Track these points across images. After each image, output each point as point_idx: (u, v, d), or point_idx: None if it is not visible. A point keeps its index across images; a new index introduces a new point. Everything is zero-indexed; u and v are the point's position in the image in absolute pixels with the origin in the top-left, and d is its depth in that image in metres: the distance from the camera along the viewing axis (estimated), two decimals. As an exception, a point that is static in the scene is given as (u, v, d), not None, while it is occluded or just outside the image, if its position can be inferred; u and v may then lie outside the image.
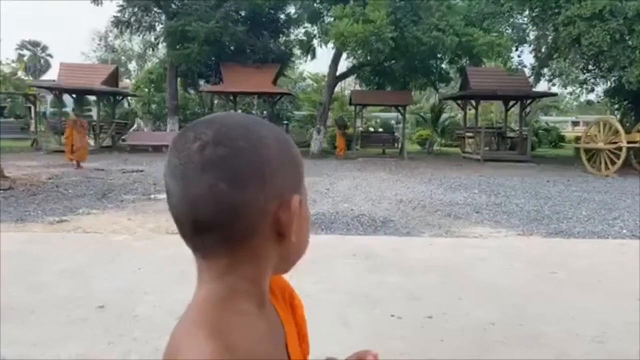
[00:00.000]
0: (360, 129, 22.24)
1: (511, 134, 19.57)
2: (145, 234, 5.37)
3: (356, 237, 5.50)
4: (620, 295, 3.61)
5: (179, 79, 20.11)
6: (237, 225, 0.56)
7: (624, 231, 6.05)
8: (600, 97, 22.00)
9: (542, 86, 19.12)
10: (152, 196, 7.98)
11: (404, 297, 3.49)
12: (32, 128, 21.58)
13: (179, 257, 4.34)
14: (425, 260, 4.47)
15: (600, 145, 12.68)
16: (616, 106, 20.24)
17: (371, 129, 23.98)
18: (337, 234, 5.60)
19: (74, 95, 20.27)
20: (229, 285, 0.58)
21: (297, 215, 0.59)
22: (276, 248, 0.59)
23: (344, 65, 19.48)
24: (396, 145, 18.97)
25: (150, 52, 29.27)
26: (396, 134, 20.31)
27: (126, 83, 31.01)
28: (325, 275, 3.83)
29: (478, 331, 2.93)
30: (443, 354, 2.66)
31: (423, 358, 2.61)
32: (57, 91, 18.98)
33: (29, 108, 24.35)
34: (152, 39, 21.47)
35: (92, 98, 22.73)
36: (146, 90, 25.41)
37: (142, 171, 11.45)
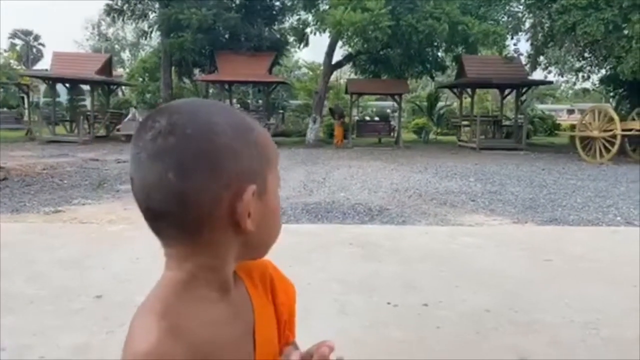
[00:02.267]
0: (356, 118, 22.20)
1: (507, 122, 19.59)
2: (141, 223, 5.33)
3: (352, 226, 5.52)
4: (614, 281, 3.65)
5: (173, 68, 19.94)
6: (188, 214, 0.56)
7: (618, 218, 6.10)
8: (595, 85, 22.04)
9: (538, 74, 19.09)
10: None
11: (400, 285, 3.52)
12: (26, 118, 21.40)
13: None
14: (421, 249, 4.50)
15: (595, 133, 12.72)
16: (611, 94, 20.28)
17: (367, 118, 23.92)
18: (334, 223, 5.62)
19: (67, 85, 20.06)
20: (187, 272, 0.59)
21: (255, 205, 0.58)
22: (236, 237, 0.59)
23: (339, 53, 19.36)
24: (392, 134, 18.95)
25: (143, 40, 28.97)
26: (392, 122, 20.26)
27: (120, 72, 30.73)
28: (321, 264, 3.85)
29: (473, 318, 2.97)
30: (439, 340, 2.69)
31: (419, 345, 2.64)
32: (51, 81, 18.79)
33: (22, 98, 24.11)
34: (146, 27, 21.23)
35: (86, 88, 22.52)
36: (140, 79, 25.19)
37: (137, 161, 11.39)
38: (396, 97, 18.81)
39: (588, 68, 18.72)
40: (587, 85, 22.95)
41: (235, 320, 0.63)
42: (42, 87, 25.72)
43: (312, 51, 22.36)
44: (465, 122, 19.01)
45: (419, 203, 6.93)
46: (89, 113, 18.64)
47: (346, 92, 20.18)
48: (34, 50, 49.14)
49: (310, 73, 28.61)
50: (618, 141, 12.16)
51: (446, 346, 2.62)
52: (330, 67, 18.85)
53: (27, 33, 49.13)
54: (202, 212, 0.56)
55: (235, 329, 0.63)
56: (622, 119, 13.08)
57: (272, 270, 0.72)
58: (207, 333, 0.59)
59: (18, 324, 2.76)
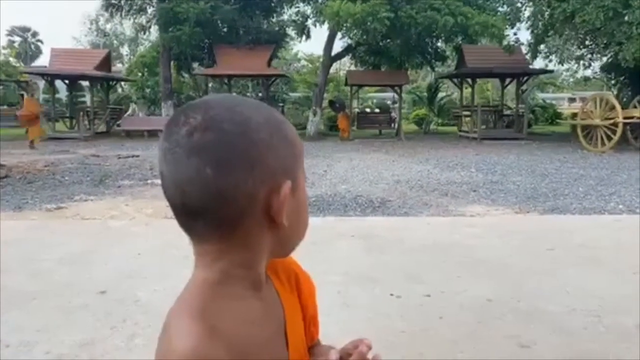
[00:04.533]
0: (357, 110, 22.12)
1: (508, 112, 19.51)
2: (143, 219, 5.38)
3: (354, 218, 5.52)
4: (616, 269, 3.65)
5: (172, 63, 19.86)
6: (225, 210, 0.55)
7: (620, 206, 6.09)
8: (596, 73, 21.90)
9: (539, 63, 18.99)
10: (149, 181, 7.97)
11: (403, 277, 3.52)
12: (26, 115, 21.33)
13: (178, 241, 4.34)
14: (423, 240, 4.50)
15: (597, 121, 12.66)
16: (613, 82, 20.17)
17: (367, 110, 23.85)
18: (336, 216, 5.63)
19: (66, 81, 20.02)
20: (221, 270, 0.58)
21: (288, 200, 0.57)
22: (270, 233, 0.58)
23: (339, 45, 19.25)
24: (393, 125, 18.90)
25: (142, 35, 28.84)
26: (393, 114, 20.19)
27: (119, 68, 30.63)
28: (324, 257, 3.85)
29: (476, 308, 2.97)
30: (442, 331, 2.70)
31: (422, 335, 2.65)
32: (49, 77, 18.73)
33: (22, 95, 24.07)
34: (144, 22, 21.12)
35: (85, 84, 22.46)
36: (139, 74, 25.11)
37: (138, 156, 11.41)
38: (396, 88, 18.72)
39: (589, 56, 18.59)
40: (588, 73, 22.83)
41: (267, 318, 0.63)
42: (41, 83, 25.64)
43: (311, 43, 22.27)
44: (466, 113, 18.93)
45: (420, 194, 6.92)
46: (88, 109, 18.61)
47: (346, 84, 20.11)
48: (32, 47, 49.00)
49: (310, 65, 28.48)
50: (620, 129, 12.11)
51: (449, 336, 2.63)
52: (330, 59, 18.76)
53: (25, 30, 48.96)
54: (239, 208, 0.55)
55: (268, 327, 0.62)
56: (624, 106, 13.01)
57: (295, 266, 0.73)
58: (244, 332, 0.58)
59: (22, 320, 2.77)
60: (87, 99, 22.17)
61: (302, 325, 0.70)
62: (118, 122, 19.35)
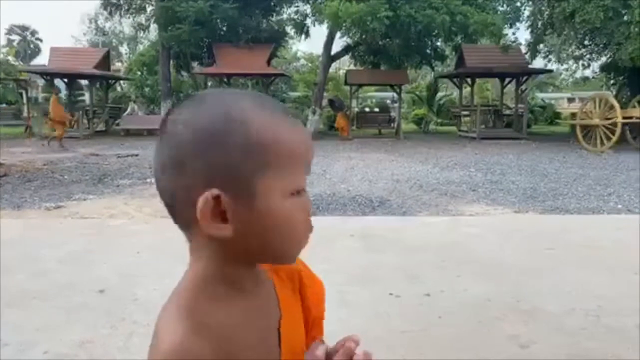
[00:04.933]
0: (356, 109, 22.12)
1: (507, 112, 19.52)
2: (143, 218, 5.37)
3: (353, 217, 5.52)
4: (615, 269, 3.65)
5: (171, 62, 19.84)
6: (177, 208, 0.57)
7: (619, 206, 6.10)
8: (596, 72, 21.91)
9: (538, 62, 19.00)
10: (148, 180, 7.96)
11: (402, 276, 3.52)
12: (25, 114, 21.35)
13: (177, 240, 4.33)
14: (423, 239, 4.50)
15: (596, 121, 12.68)
16: (612, 82, 20.18)
17: (367, 109, 23.84)
18: (335, 215, 5.62)
19: (65, 80, 20.00)
20: (204, 268, 0.59)
21: (236, 209, 0.54)
22: (212, 241, 0.56)
23: (338, 44, 19.25)
24: (392, 125, 18.91)
25: (141, 34, 28.81)
26: (392, 113, 20.20)
27: (118, 66, 30.59)
28: (323, 256, 3.85)
29: (475, 307, 2.97)
30: (441, 330, 2.70)
31: (422, 335, 2.65)
32: (49, 76, 18.71)
33: (21, 94, 24.02)
34: (143, 21, 21.10)
35: (85, 82, 22.44)
36: (139, 73, 25.08)
37: (137, 155, 11.40)
38: (396, 87, 18.73)
39: (588, 56, 18.61)
40: (588, 73, 22.84)
41: (258, 318, 0.62)
42: (41, 82, 25.60)
43: (311, 43, 22.25)
44: (465, 112, 18.95)
45: (419, 194, 6.92)
46: (88, 108, 18.58)
47: (346, 83, 20.10)
48: (32, 45, 48.92)
49: (309, 64, 28.49)
50: (619, 129, 12.12)
51: (448, 336, 2.63)
52: (329, 58, 18.76)
53: (24, 28, 48.88)
54: (184, 208, 0.55)
55: (258, 325, 0.62)
56: (623, 106, 13.02)
57: (302, 267, 0.71)
58: (230, 330, 0.59)
59: (21, 320, 2.77)
60: (87, 97, 22.14)
61: (302, 327, 0.69)
62: (117, 121, 19.34)
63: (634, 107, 13.07)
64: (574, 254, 4.05)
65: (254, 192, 0.55)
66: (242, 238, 0.56)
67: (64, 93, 23.66)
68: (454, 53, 20.06)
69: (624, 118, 12.22)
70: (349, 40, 18.96)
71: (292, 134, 0.57)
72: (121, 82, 25.93)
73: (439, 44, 19.00)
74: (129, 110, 20.69)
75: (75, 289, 3.24)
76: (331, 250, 4.08)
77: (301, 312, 0.69)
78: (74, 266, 3.68)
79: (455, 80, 20.08)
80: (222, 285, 0.59)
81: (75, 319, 2.79)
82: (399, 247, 4.26)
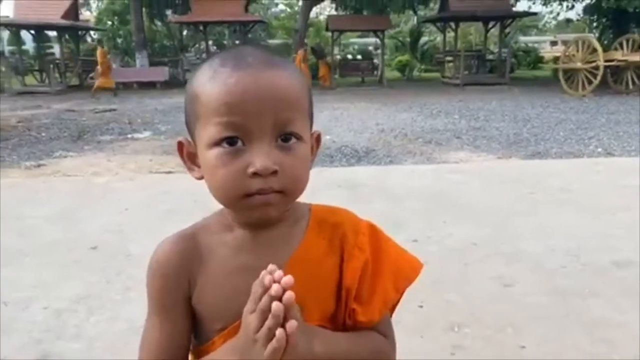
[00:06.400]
0: (338, 57, 21.66)
1: (490, 57, 19.35)
2: (127, 174, 5.31)
3: (340, 168, 5.56)
4: (593, 210, 3.80)
5: (144, 10, 18.91)
6: None
7: (599, 149, 6.25)
8: (579, 15, 21.67)
9: (522, 5, 18.65)
10: (129, 136, 7.81)
11: (390, 223, 3.59)
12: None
13: (164, 195, 4.35)
14: (409, 187, 4.58)
15: (578, 65, 12.68)
16: (595, 24, 20.02)
17: (349, 57, 23.37)
18: (321, 166, 5.65)
19: (32, 32, 18.97)
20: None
21: (196, 153, 0.64)
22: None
23: (318, -12, 18.50)
24: (375, 72, 18.63)
25: (109, -20, 27.14)
26: (375, 60, 19.85)
27: (87, 16, 29.04)
28: (312, 207, 3.90)
29: (461, 251, 3.09)
30: (430, 274, 2.79)
31: (410, 279, 2.76)
32: (14, 28, 17.71)
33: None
34: (111, -35, 19.84)
35: (53, 34, 21.33)
36: (109, 23, 23.90)
37: (115, 110, 11.10)
38: (379, 33, 18.30)
39: (572, -3, 18.33)
40: (571, 15, 22.58)
41: (258, 249, 0.65)
42: (5, 34, 24.23)
43: (290, -13, 21.29)
44: (449, 58, 18.72)
45: (404, 143, 6.96)
46: (58, 61, 17.79)
47: (327, 30, 19.54)
48: (-8, -6, 45.83)
49: (288, 10, 27.47)
50: (600, 72, 12.16)
51: (436, 278, 2.74)
52: (310, 3, 18.13)
53: (-18, -25, 45.56)
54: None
55: (255, 255, 0.64)
56: (606, 49, 13.00)
57: (351, 229, 0.69)
58: (222, 251, 0.66)
59: (16, 277, 2.79)
60: (56, 50, 21.11)
61: (331, 284, 0.66)
62: (91, 75, 18.59)
63: (616, 49, 13.07)
64: (554, 197, 4.19)
65: (195, 141, 0.64)
66: (206, 181, 0.63)
67: (30, 46, 22.53)
68: (437, -4, 19.53)
69: (606, 61, 12.24)
70: (330, -16, 18.25)
71: (220, 86, 0.58)
72: (92, 33, 24.71)
73: (422, -14, 18.45)
74: (102, 62, 19.81)
75: (66, 246, 3.25)
76: (319, 200, 4.12)
77: (331, 273, 0.66)
78: (62, 224, 3.67)
79: (438, 24, 19.67)
80: (235, 220, 0.66)
81: (71, 275, 2.82)
82: (385, 195, 4.33)
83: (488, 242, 3.23)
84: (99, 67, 14.43)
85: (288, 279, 0.52)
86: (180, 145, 0.66)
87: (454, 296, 2.53)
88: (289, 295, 0.52)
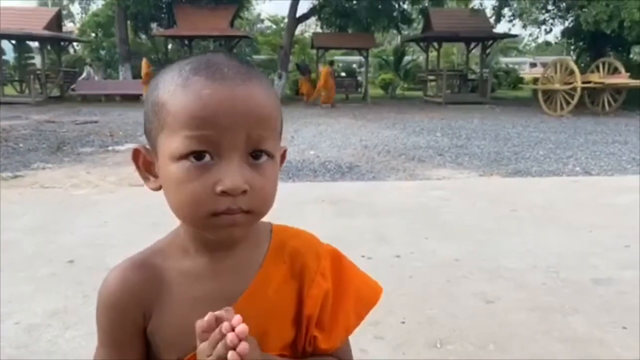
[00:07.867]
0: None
1: (472, 76, 19.77)
2: (107, 187, 5.22)
3: (323, 183, 5.56)
4: (573, 228, 3.87)
5: (128, 23, 18.85)
6: None
7: (577, 168, 6.39)
8: (557, 38, 22.37)
9: (502, 27, 19.18)
10: (110, 148, 7.70)
11: (373, 239, 3.61)
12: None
13: (144, 209, 4.27)
14: (392, 203, 4.60)
15: (557, 86, 13.04)
16: (572, 47, 20.68)
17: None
18: (305, 181, 5.64)
19: (13, 42, 18.72)
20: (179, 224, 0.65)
21: (153, 164, 0.60)
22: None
23: (304, 6, 18.77)
24: (359, 90, 18.84)
25: (94, -8, 27.09)
26: (359, 78, 20.09)
27: (70, 27, 28.83)
28: (294, 221, 3.84)
29: (444, 267, 3.10)
30: (412, 289, 2.81)
31: (393, 294, 2.75)
32: (-5, 37, 17.42)
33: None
34: (96, -22, 19.79)
35: (35, 45, 21.06)
36: (93, 35, 23.73)
37: (96, 122, 10.96)
38: (363, 51, 18.56)
39: (551, 21, 18.92)
40: (550, 38, 23.30)
41: (217, 277, 0.62)
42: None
43: (275, 4, 21.54)
44: (432, 77, 19.06)
45: (388, 159, 7.02)
46: (39, 72, 17.53)
47: (312, 47, 19.75)
48: (-27, 3, 45.21)
49: (274, 26, 27.72)
50: (578, 94, 12.53)
51: (419, 294, 2.74)
52: (295, 20, 18.32)
53: (-37, -16, 44.98)
54: None
55: (214, 284, 0.62)
56: (583, 71, 13.42)
57: (310, 256, 0.66)
58: (179, 281, 0.62)
59: (-12, 292, 2.68)
60: (37, 61, 20.83)
61: (290, 310, 0.64)
62: (72, 86, 18.37)
63: (593, 72, 13.49)
64: (535, 214, 4.25)
65: (156, 150, 0.59)
66: (165, 194, 0.59)
67: (11, 56, 22.20)
68: (420, 16, 19.95)
69: (583, 83, 12.62)
70: (315, 2, 18.50)
71: (193, 97, 0.54)
72: (75, 44, 24.48)
73: (405, 6, 18.84)
74: (84, 74, 19.63)
75: (43, 259, 3.15)
76: (302, 215, 4.12)
77: (294, 295, 0.64)
78: (40, 237, 3.58)
79: (421, 44, 20.06)
80: (193, 242, 0.63)
81: (47, 289, 2.74)
82: (369, 211, 4.34)
83: (470, 258, 3.24)
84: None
85: (242, 328, 0.50)
86: (136, 152, 0.61)
87: (436, 312, 2.52)
88: (243, 347, 0.50)
